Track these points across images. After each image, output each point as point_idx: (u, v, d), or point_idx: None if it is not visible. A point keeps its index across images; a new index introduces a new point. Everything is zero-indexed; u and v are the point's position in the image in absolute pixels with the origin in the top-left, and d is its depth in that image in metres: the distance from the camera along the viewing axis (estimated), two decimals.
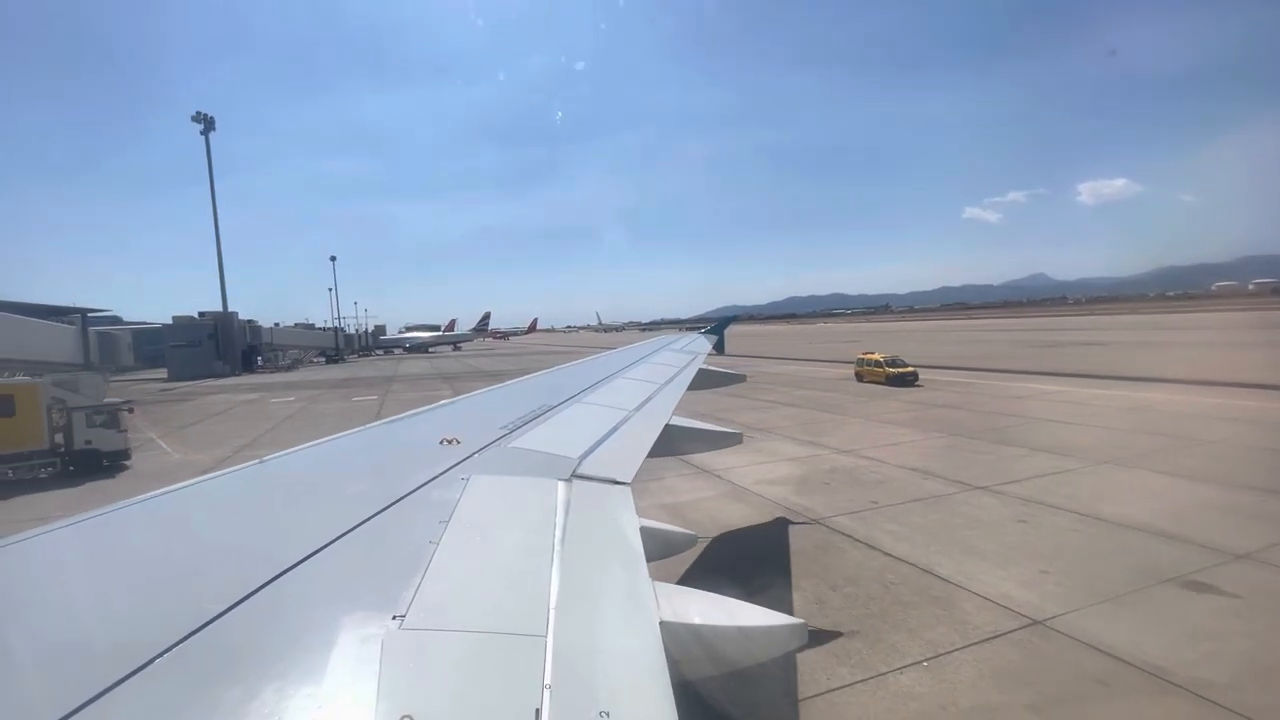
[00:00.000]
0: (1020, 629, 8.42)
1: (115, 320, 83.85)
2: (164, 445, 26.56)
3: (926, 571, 10.37)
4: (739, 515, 13.73)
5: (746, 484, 16.20)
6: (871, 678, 7.46)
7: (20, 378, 24.19)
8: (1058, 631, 8.30)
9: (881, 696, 7.12)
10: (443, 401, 5.54)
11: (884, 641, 8.28)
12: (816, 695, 7.17)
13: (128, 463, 22.35)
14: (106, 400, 22.42)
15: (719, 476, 17.09)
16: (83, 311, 46.12)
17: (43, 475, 20.62)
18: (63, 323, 44.15)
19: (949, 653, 7.91)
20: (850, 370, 42.53)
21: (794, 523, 13.02)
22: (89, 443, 21.21)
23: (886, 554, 11.19)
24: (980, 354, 53.46)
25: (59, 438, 20.98)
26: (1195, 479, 15.04)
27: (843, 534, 12.28)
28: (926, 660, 7.76)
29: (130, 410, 22.76)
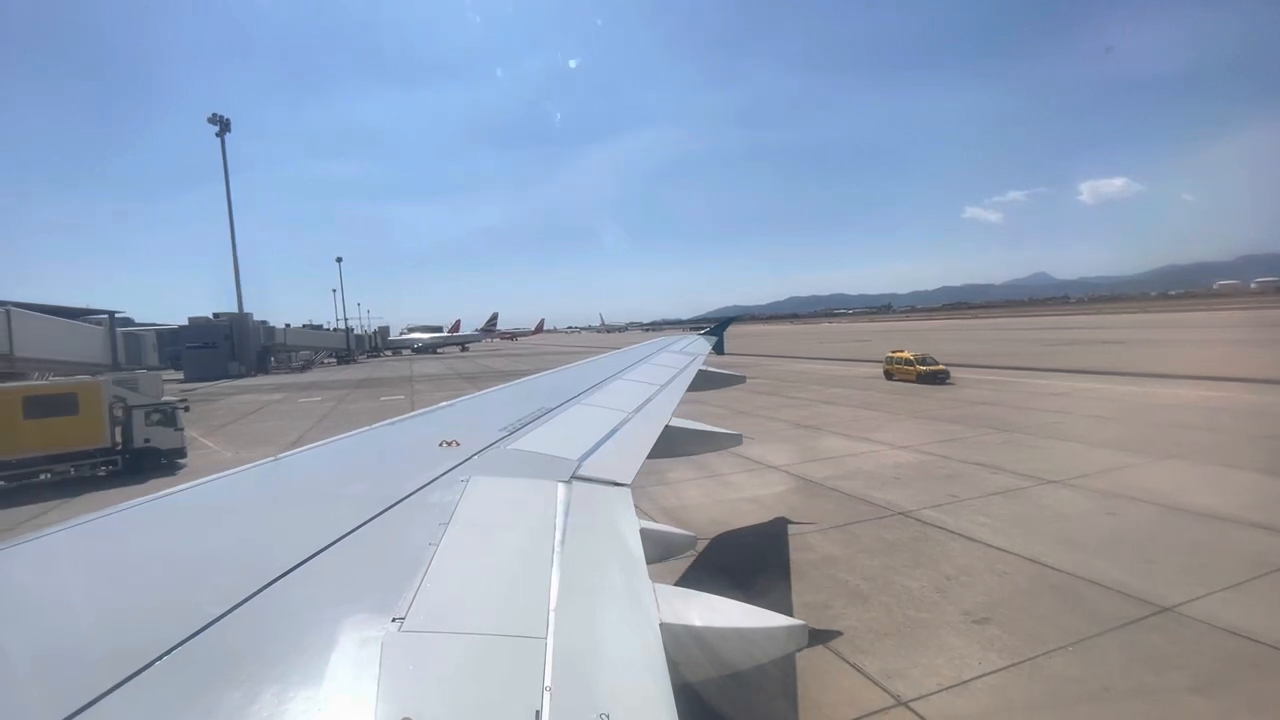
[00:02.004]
0: (1150, 615, 8.60)
1: (127, 321, 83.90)
2: (210, 444, 26.70)
3: (1034, 561, 10.55)
4: (828, 509, 13.87)
5: (818, 479, 16.35)
6: (1023, 661, 7.64)
7: (83, 377, 24.35)
8: (1189, 618, 8.49)
9: (1039, 680, 7.30)
10: (442, 403, 5.59)
11: (1020, 628, 8.45)
12: (977, 678, 7.35)
13: (183, 461, 22.51)
14: (164, 399, 22.57)
15: (786, 471, 17.27)
16: (110, 313, 46.24)
17: (101, 473, 20.82)
18: (90, 324, 44.28)
19: (1090, 638, 8.09)
20: (872, 369, 42.80)
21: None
22: (148, 441, 21.39)
23: (987, 545, 11.37)
24: (1000, 352, 53.70)
25: (119, 435, 21.17)
26: (1264, 472, 15.23)
27: (935, 526, 12.46)
28: (1071, 645, 7.94)
29: (186, 408, 22.90)
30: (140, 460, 21.12)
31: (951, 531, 12.13)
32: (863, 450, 19.53)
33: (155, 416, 21.68)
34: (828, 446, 20.31)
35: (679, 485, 16.16)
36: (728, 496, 15.20)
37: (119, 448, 21.12)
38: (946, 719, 6.64)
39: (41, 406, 19.51)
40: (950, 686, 7.21)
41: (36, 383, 22.39)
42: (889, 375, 38.11)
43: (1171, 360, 40.43)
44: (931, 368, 35.49)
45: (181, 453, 22.40)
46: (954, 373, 36.74)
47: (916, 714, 6.77)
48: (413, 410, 5.55)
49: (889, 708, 6.91)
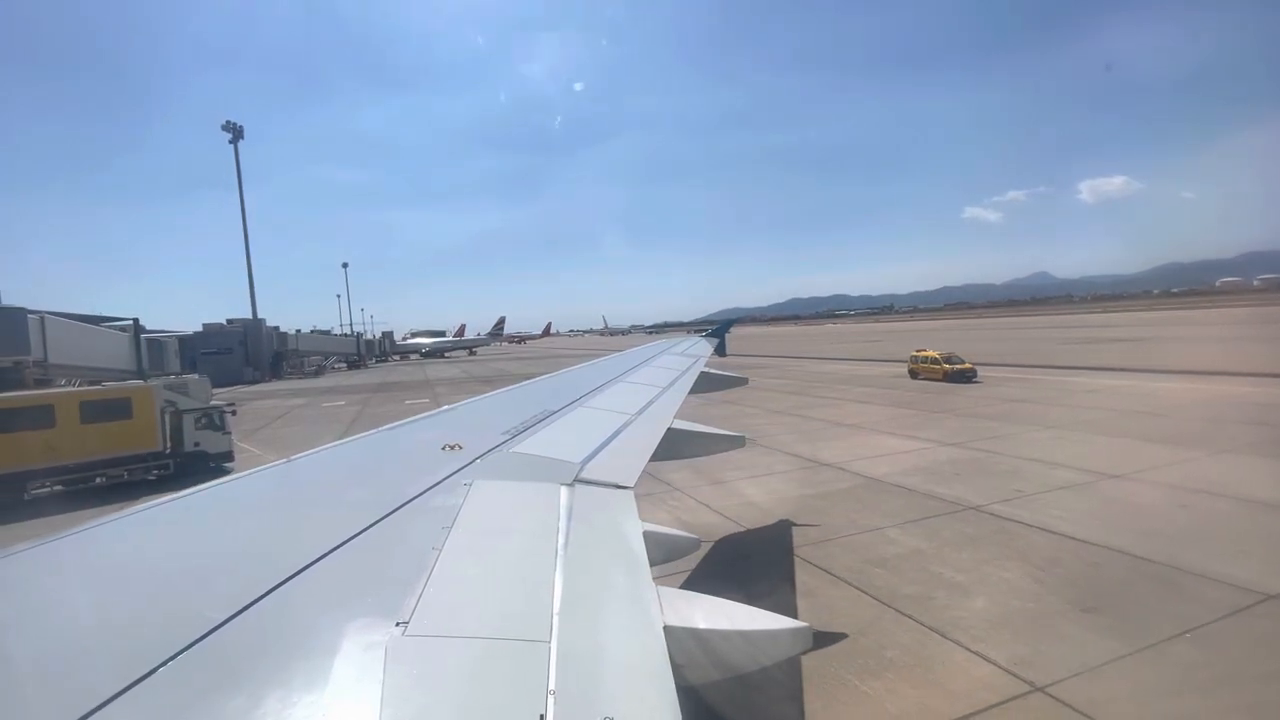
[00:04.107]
0: (1257, 603, 8.70)
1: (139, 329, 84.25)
2: (249, 448, 26.84)
3: (1123, 553, 10.66)
4: (897, 505, 13.99)
5: (877, 475, 16.47)
6: (1146, 648, 7.74)
7: (135, 381, 24.54)
8: None
9: (1167, 665, 7.41)
10: (445, 407, 5.66)
11: (1131, 617, 8.57)
12: (1105, 664, 7.45)
13: (230, 465, 22.65)
14: (212, 403, 22.76)
15: (843, 469, 17.37)
16: (135, 320, 46.46)
17: (151, 477, 20.96)
18: (114, 330, 44.51)
19: (1205, 625, 8.19)
20: (893, 368, 42.96)
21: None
22: (198, 445, 21.57)
23: (1070, 538, 11.48)
24: (1017, 351, 53.73)
25: (169, 439, 21.31)
26: None
27: (1011, 520, 12.56)
28: (1188, 632, 8.05)
29: (234, 413, 23.07)
30: (190, 464, 21.27)
31: (1029, 525, 12.24)
32: (913, 447, 19.64)
33: (203, 421, 21.87)
34: (876, 444, 20.41)
35: (738, 484, 16.30)
36: (796, 493, 15.33)
37: (169, 452, 21.29)
38: (1090, 703, 6.75)
39: (97, 411, 19.68)
40: (1081, 673, 7.31)
41: (92, 387, 22.57)
42: (914, 374, 38.21)
43: (1194, 356, 40.43)
44: (958, 366, 35.59)
45: (229, 456, 22.55)
46: (981, 371, 36.85)
47: (1056, 699, 6.88)
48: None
49: (1026, 693, 7.03)
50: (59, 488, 19.20)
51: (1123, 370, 36.45)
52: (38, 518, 16.75)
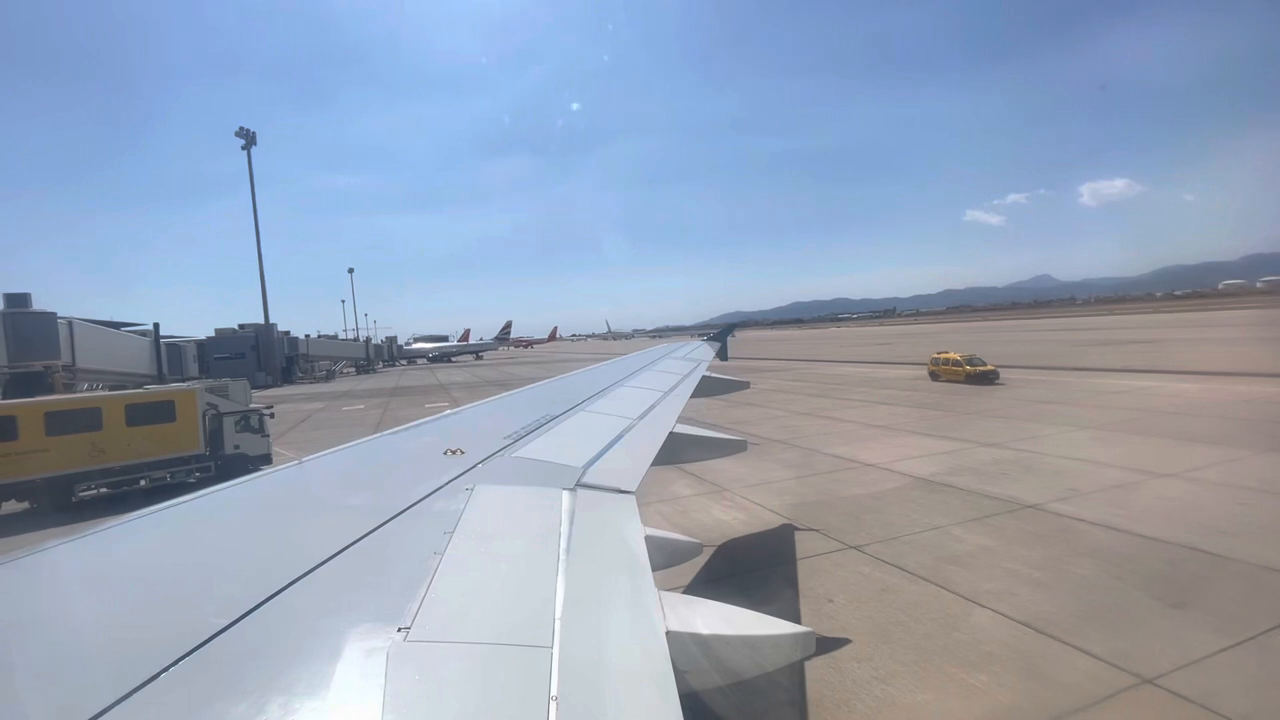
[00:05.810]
0: None
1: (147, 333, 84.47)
2: (281, 451, 26.89)
3: (1195, 549, 10.74)
4: (953, 504, 14.06)
5: (924, 475, 16.54)
6: (1246, 640, 7.81)
7: (178, 384, 24.69)
8: None
9: (1272, 658, 7.47)
10: (446, 412, 5.74)
11: (1221, 611, 8.64)
12: (1208, 657, 7.53)
13: (268, 468, 22.74)
14: (251, 406, 22.88)
15: (888, 469, 17.44)
16: (155, 325, 46.75)
17: (192, 480, 21.06)
18: (135, 335, 44.79)
19: None
20: (910, 370, 43.03)
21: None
22: (238, 447, 21.68)
23: (1136, 535, 11.54)
24: (1032, 353, 53.77)
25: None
26: None
27: (1071, 518, 12.63)
28: None
29: (272, 415, 23.19)
30: (231, 467, 21.37)
31: (1091, 523, 12.31)
32: (952, 448, 19.70)
33: (243, 424, 21.99)
34: (914, 445, 20.47)
35: (789, 484, 16.39)
36: (848, 492, 15.41)
37: (209, 454, 21.40)
38: (1204, 694, 6.82)
39: (142, 413, 19.80)
40: (1187, 665, 7.38)
41: (136, 390, 22.73)
42: (934, 376, 38.28)
43: (1210, 358, 40.50)
44: (980, 368, 35.66)
45: (268, 459, 22.62)
46: (1002, 373, 36.89)
47: (1169, 690, 6.95)
48: None
49: (1136, 685, 7.10)
50: (104, 490, 19.33)
51: (1143, 371, 36.51)
52: (84, 520, 16.86)
